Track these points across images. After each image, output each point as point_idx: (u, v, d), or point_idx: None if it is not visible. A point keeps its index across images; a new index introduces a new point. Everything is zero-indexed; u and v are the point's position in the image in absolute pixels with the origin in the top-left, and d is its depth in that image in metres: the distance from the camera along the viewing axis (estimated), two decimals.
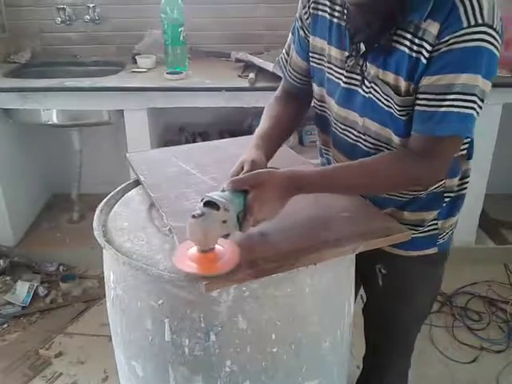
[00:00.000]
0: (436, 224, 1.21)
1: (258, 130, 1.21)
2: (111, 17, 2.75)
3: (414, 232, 1.18)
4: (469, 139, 1.11)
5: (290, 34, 1.27)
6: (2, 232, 2.61)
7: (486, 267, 2.54)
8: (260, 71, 2.38)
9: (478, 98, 0.96)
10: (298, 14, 1.21)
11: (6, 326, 2.21)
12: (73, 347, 2.12)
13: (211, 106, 2.36)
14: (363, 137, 1.13)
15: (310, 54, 1.21)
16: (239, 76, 2.40)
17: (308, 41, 1.20)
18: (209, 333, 0.97)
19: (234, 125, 2.78)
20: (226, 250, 0.93)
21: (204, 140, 2.60)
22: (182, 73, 2.40)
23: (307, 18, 1.18)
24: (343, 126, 1.17)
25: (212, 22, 2.76)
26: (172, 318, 0.98)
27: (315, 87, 1.24)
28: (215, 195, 0.91)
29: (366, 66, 1.07)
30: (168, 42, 2.47)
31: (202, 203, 0.91)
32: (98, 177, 2.80)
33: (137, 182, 1.30)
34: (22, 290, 2.37)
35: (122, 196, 1.26)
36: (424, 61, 0.97)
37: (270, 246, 0.97)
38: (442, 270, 1.31)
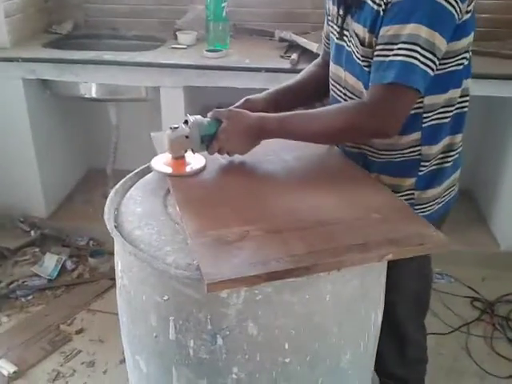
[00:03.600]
0: (413, 194, 1.19)
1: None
2: None
3: None
4: (452, 107, 1.12)
5: None
6: (34, 203, 2.61)
7: None
8: (304, 52, 2.25)
9: (422, 47, 0.98)
10: None
11: (30, 297, 2.20)
12: (94, 325, 2.09)
13: (249, 87, 2.25)
14: (343, 91, 1.20)
15: None
16: (281, 56, 2.29)
17: None
18: (216, 336, 0.89)
19: None
20: (194, 160, 1.15)
21: None
22: (221, 51, 2.31)
23: None
24: (333, 82, 1.24)
25: None
26: (177, 316, 0.91)
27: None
28: (193, 116, 1.11)
29: (347, 20, 1.13)
30: (210, 17, 2.37)
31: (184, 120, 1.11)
32: (134, 153, 2.73)
33: None
34: (50, 262, 2.36)
35: (141, 178, 1.19)
36: (382, 13, 1.03)
37: (285, 245, 0.85)
38: None
